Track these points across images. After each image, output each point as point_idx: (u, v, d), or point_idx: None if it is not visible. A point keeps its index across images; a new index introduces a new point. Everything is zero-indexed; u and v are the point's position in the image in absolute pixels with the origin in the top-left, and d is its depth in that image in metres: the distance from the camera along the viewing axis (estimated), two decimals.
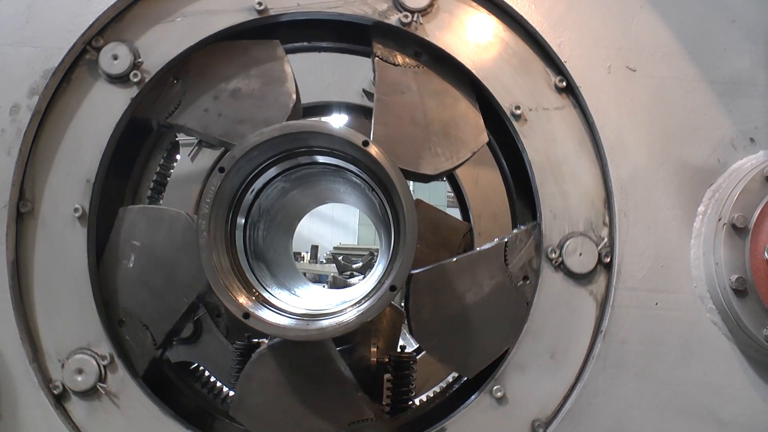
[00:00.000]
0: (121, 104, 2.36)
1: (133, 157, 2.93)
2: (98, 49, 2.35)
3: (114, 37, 2.36)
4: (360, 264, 15.44)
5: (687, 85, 2.33)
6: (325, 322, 2.12)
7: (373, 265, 14.81)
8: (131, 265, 2.43)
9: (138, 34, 2.38)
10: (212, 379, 3.67)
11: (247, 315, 2.06)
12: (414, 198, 2.76)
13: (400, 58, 2.44)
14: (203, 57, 2.44)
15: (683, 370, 2.27)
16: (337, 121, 4.44)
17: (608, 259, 2.31)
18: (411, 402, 2.96)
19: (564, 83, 2.35)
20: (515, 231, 2.43)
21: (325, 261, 20.38)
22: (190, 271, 2.39)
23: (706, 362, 2.27)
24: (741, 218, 2.11)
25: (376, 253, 15.01)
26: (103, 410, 2.34)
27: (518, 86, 2.38)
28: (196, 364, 3.62)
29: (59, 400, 2.32)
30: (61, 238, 2.35)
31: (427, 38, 2.38)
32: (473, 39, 2.40)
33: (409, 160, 2.34)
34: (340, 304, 2.40)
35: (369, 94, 4.22)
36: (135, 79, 2.34)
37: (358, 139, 2.12)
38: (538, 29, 2.35)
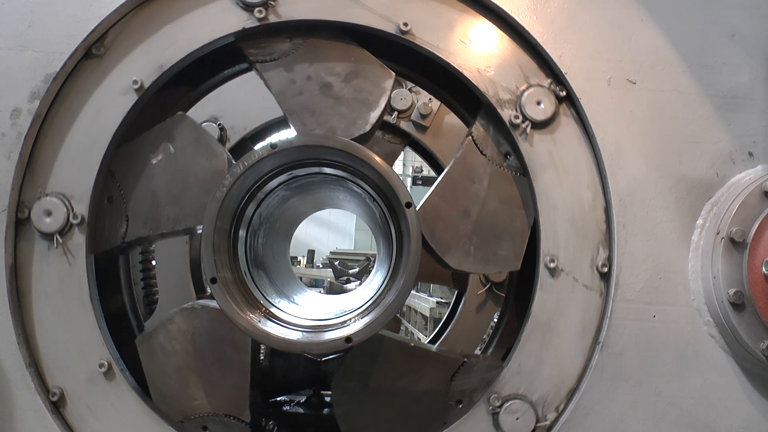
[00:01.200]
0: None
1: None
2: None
3: None
4: (356, 269, 15.40)
5: (686, 98, 2.35)
6: (331, 335, 2.13)
7: (370, 271, 14.81)
8: (154, 161, 2.43)
9: None
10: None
11: (254, 330, 2.08)
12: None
13: (489, 150, 2.43)
14: (122, 163, 2.45)
15: (680, 382, 2.28)
16: None
17: (606, 270, 2.31)
18: None
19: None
20: (479, 355, 2.45)
21: (321, 265, 20.35)
22: (195, 206, 2.37)
23: (703, 375, 2.27)
24: (739, 232, 2.12)
25: (372, 259, 14.99)
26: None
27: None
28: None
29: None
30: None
31: (522, 150, 2.36)
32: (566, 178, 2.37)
33: (440, 242, 2.36)
34: (341, 314, 2.40)
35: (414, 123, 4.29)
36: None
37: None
38: (539, 40, 2.36)
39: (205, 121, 4.35)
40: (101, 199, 2.41)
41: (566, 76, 2.34)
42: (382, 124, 4.36)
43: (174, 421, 2.37)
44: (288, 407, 3.21)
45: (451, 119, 4.37)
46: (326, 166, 2.37)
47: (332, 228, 28.95)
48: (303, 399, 3.45)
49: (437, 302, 11.06)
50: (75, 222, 2.31)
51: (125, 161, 2.44)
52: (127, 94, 2.37)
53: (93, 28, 2.33)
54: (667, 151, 2.32)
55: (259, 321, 2.13)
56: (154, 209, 2.40)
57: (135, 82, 2.35)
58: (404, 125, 4.47)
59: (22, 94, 2.29)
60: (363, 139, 2.37)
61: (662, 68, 2.35)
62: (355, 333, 2.09)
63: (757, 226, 2.12)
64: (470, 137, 2.43)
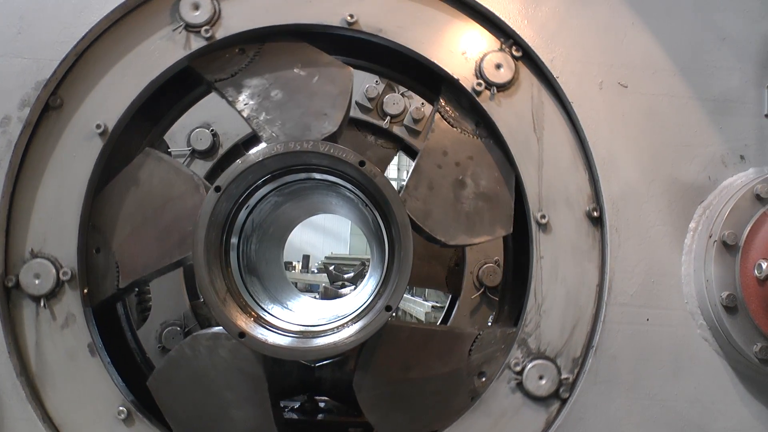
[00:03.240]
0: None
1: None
2: None
3: None
4: (351, 274, 15.39)
5: (678, 102, 2.35)
6: (321, 341, 2.12)
7: (365, 275, 14.80)
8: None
9: None
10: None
11: (242, 335, 2.06)
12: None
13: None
14: (100, 212, 2.42)
15: (674, 385, 2.28)
16: None
17: (596, 214, 2.32)
18: None
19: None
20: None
21: (316, 270, 20.30)
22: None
23: (697, 378, 2.28)
24: (731, 235, 2.12)
25: (367, 263, 14.98)
26: None
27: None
28: None
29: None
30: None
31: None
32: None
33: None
34: (334, 320, 2.39)
35: (362, 107, 4.26)
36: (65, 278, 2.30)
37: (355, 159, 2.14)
38: (530, 44, 2.37)
39: (197, 128, 4.34)
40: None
41: (558, 80, 2.34)
42: (375, 129, 4.39)
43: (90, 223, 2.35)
44: (282, 413, 3.19)
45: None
46: (315, 172, 2.36)
47: (327, 233, 28.91)
48: (297, 405, 3.45)
49: (432, 306, 11.04)
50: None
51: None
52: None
53: (84, 34, 2.32)
54: (660, 154, 2.33)
55: (251, 327, 2.12)
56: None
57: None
58: (397, 130, 4.47)
59: (13, 102, 2.27)
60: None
61: (654, 72, 2.36)
62: (347, 338, 2.08)
63: (749, 229, 2.12)
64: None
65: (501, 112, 2.37)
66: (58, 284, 2.29)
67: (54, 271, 2.27)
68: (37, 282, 2.27)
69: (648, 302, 2.28)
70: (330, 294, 12.11)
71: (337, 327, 2.27)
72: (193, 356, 2.33)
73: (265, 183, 2.35)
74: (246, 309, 2.25)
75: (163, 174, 2.40)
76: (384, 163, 4.66)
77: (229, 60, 2.42)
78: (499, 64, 2.35)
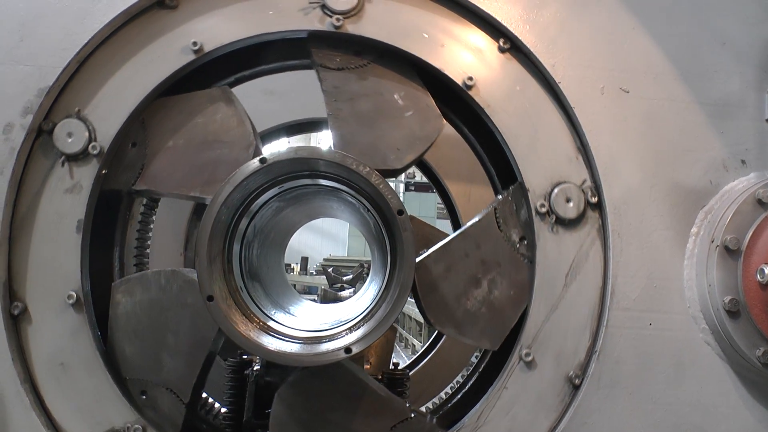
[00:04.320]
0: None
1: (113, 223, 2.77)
2: None
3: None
4: (350, 276, 15.41)
5: (679, 106, 2.36)
6: (327, 346, 2.12)
7: (363, 277, 14.81)
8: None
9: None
10: (204, 395, 3.64)
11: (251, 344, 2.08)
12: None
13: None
14: (154, 115, 2.44)
15: (677, 389, 2.28)
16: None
17: (595, 199, 2.33)
18: None
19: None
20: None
21: (315, 272, 20.34)
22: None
23: (700, 382, 2.28)
24: (733, 240, 2.13)
25: (366, 265, 15.00)
26: None
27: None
28: None
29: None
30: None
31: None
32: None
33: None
34: (337, 325, 2.39)
35: None
36: (94, 152, 2.32)
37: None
38: (532, 49, 2.37)
39: None
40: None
41: (560, 85, 2.35)
42: None
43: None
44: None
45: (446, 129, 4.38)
46: (321, 178, 2.37)
47: (325, 235, 28.93)
48: None
49: None
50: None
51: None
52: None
53: (86, 41, 2.32)
54: (661, 159, 2.33)
55: (256, 334, 2.12)
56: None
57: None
58: None
59: (15, 109, 2.27)
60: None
61: (655, 76, 2.37)
62: (352, 343, 2.08)
63: (750, 234, 2.13)
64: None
65: (549, 243, 2.35)
66: (84, 152, 2.31)
67: (87, 136, 2.30)
68: (69, 141, 2.29)
69: (650, 307, 2.29)
70: (329, 297, 12.12)
71: (341, 332, 2.27)
72: (163, 287, 2.37)
73: (270, 187, 2.35)
74: (249, 316, 2.24)
75: (227, 116, 2.40)
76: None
77: (343, 57, 2.44)
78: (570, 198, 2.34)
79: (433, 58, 2.40)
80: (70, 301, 2.28)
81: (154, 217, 3.61)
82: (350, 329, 2.27)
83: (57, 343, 2.30)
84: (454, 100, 2.51)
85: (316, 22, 2.39)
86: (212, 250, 2.11)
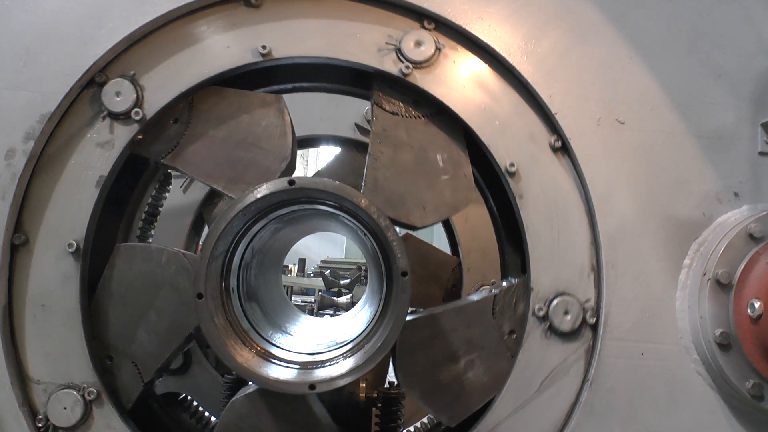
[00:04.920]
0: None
1: (130, 190, 2.90)
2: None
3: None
4: (348, 280, 15.41)
5: (674, 138, 2.38)
6: (320, 374, 2.15)
7: (361, 280, 14.81)
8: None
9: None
10: (201, 408, 3.67)
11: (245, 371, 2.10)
12: (403, 232, 2.79)
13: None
14: (204, 101, 2.47)
15: (668, 418, 2.30)
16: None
17: (594, 320, 2.34)
18: None
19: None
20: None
21: (312, 274, 20.31)
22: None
23: (691, 412, 2.30)
24: (725, 274, 2.15)
25: (363, 267, 14.99)
26: None
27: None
28: (184, 395, 3.62)
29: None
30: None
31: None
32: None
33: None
34: (333, 348, 2.42)
35: (361, 129, 4.27)
36: (136, 117, 2.36)
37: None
38: (529, 80, 2.40)
39: None
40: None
41: (556, 116, 2.37)
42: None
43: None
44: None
45: None
46: (322, 204, 2.39)
47: (323, 236, 28.87)
48: None
49: None
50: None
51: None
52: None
53: (89, 66, 2.34)
54: (656, 190, 2.35)
55: (254, 362, 2.15)
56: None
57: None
58: None
59: (17, 135, 2.29)
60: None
61: (650, 108, 2.39)
62: (342, 374, 2.11)
63: (742, 267, 2.15)
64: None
65: (536, 345, 2.38)
66: (126, 114, 2.36)
67: (135, 99, 2.35)
68: (117, 99, 2.35)
69: (643, 337, 2.31)
70: (326, 303, 12.17)
71: (335, 358, 2.30)
72: (162, 264, 2.43)
73: (266, 215, 2.37)
74: (247, 341, 2.27)
75: (273, 125, 2.45)
76: None
77: (401, 103, 2.47)
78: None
79: (487, 134, 2.41)
80: (71, 249, 2.33)
81: (152, 231, 3.64)
82: (344, 355, 2.30)
83: (46, 284, 2.34)
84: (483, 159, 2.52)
85: (387, 61, 2.40)
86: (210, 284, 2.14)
